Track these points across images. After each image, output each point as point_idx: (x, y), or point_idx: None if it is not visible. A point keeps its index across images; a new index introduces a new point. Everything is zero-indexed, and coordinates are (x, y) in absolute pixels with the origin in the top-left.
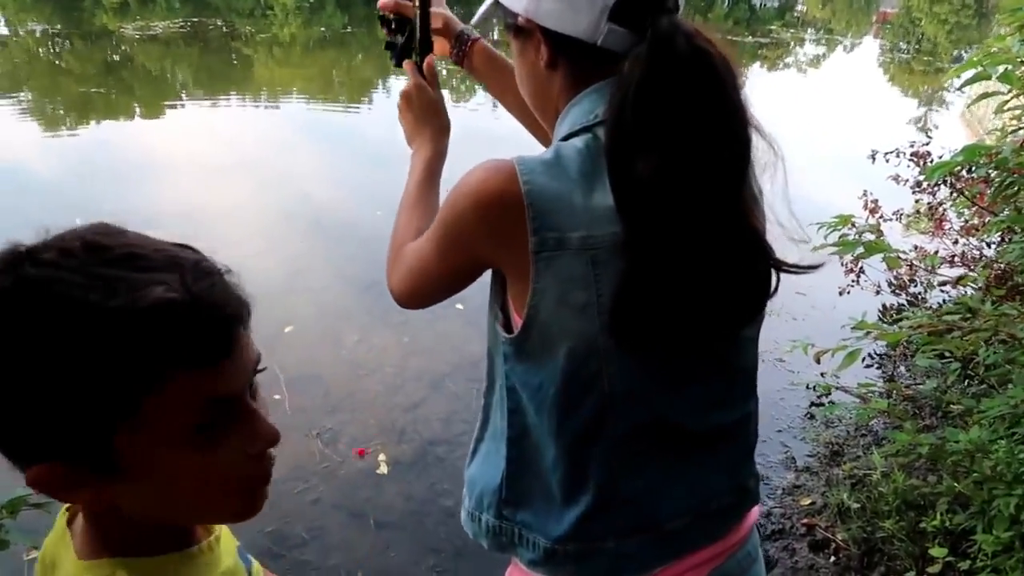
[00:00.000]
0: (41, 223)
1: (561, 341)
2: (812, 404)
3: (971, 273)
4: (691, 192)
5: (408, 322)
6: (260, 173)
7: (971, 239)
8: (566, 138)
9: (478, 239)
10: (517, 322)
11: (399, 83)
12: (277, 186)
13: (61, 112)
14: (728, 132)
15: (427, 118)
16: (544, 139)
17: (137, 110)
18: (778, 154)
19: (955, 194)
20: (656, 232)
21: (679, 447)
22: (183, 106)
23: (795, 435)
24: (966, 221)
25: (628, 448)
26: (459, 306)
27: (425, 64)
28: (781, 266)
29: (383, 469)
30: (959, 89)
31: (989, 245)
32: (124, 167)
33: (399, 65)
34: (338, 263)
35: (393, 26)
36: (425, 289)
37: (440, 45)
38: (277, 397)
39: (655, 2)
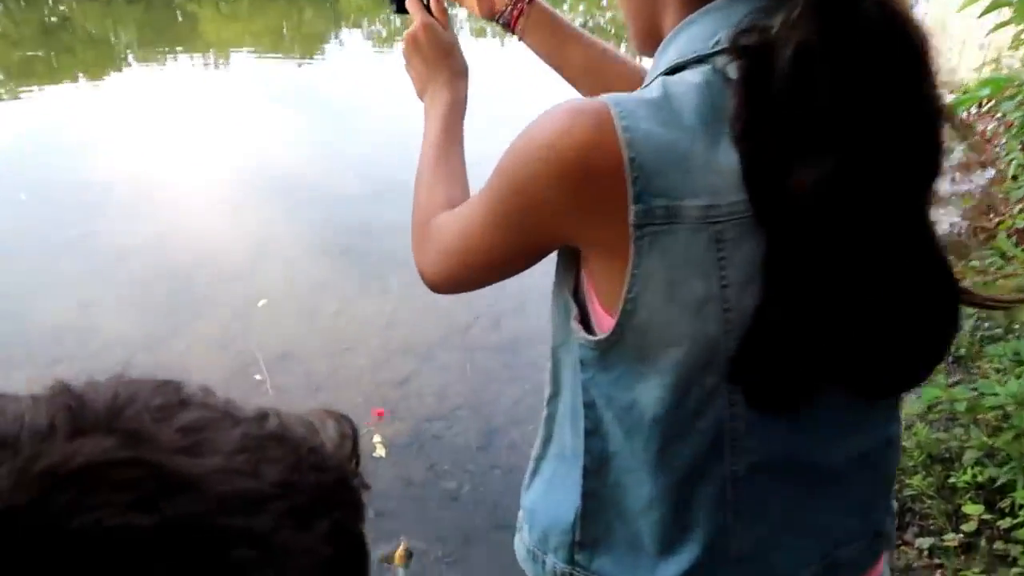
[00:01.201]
0: None
1: (668, 347)
2: None
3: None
4: (867, 211)
5: (389, 290)
6: (215, 135)
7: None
8: (673, 71)
9: (556, 210)
10: (603, 318)
11: (352, 36)
12: (234, 148)
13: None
14: (923, 131)
15: (439, 62)
16: None
17: (80, 74)
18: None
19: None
20: (812, 259)
21: (805, 484)
22: (129, 67)
23: None
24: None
25: (747, 488)
26: None
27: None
28: (976, 301)
29: (380, 452)
30: (979, 17)
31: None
32: (70, 134)
33: (400, 10)
34: (308, 229)
35: None
36: (472, 273)
37: (484, 3)
38: (258, 378)
39: None
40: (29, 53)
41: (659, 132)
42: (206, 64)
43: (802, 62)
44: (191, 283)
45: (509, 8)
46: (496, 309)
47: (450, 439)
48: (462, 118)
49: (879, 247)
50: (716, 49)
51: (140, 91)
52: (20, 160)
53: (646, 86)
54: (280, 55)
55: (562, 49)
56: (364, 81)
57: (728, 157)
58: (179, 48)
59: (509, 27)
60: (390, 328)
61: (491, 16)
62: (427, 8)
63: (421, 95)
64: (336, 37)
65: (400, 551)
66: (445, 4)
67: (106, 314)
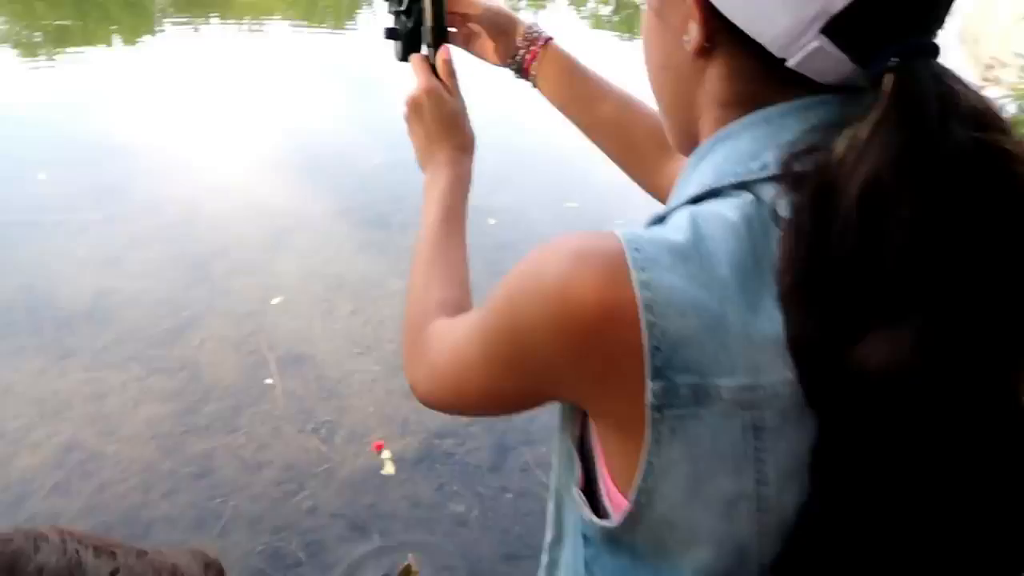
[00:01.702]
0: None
1: (688, 548)
2: None
3: None
4: (949, 393)
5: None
6: (245, 105)
7: None
8: (704, 196)
9: (558, 372)
10: (613, 493)
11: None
12: (263, 119)
13: (38, 40)
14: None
15: (442, 134)
16: (647, 180)
17: (116, 38)
18: None
19: None
20: (874, 452)
21: None
22: (163, 31)
23: None
24: None
25: None
26: None
27: (440, 58)
28: None
29: (389, 469)
30: None
31: None
32: (103, 98)
33: (404, 59)
34: (327, 219)
35: (401, 5)
36: (464, 403)
37: (492, 47)
38: (269, 382)
39: (913, 23)
40: (68, 22)
41: (686, 288)
42: (239, 31)
43: (873, 200)
44: (208, 273)
45: (522, 52)
46: None
47: (461, 457)
48: (464, 198)
49: (961, 437)
50: (762, 175)
51: (173, 58)
52: (58, 120)
53: (672, 210)
54: (314, 25)
55: (581, 99)
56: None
57: (772, 322)
58: (213, 14)
59: (522, 72)
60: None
61: (503, 62)
62: (433, 69)
63: (421, 165)
64: (370, 6)
65: (409, 564)
66: (454, 66)
67: (120, 304)
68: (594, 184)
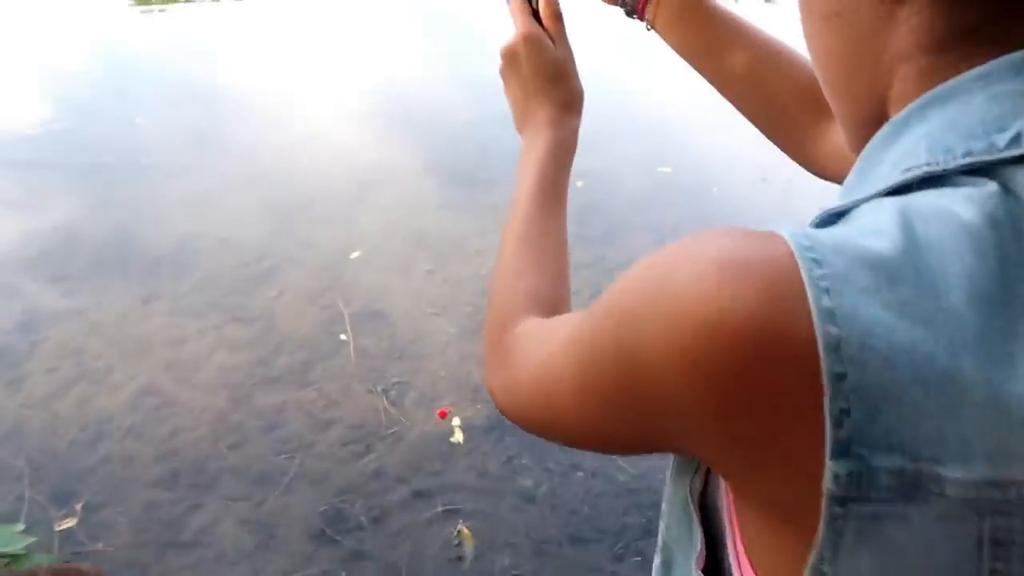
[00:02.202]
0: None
1: None
2: None
3: None
4: None
5: (486, 251)
6: (339, 56)
7: None
8: (915, 184)
9: (679, 422)
10: None
11: None
12: (354, 73)
13: None
14: None
15: (543, 89)
16: (797, 147)
17: None
18: None
19: None
20: None
21: None
22: None
23: None
24: None
25: None
26: None
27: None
28: None
29: (457, 437)
30: None
31: None
32: (207, 46)
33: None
34: (412, 174)
35: None
36: (551, 431)
37: None
38: (343, 338)
39: None
40: None
41: (895, 324)
42: None
43: None
44: (291, 224)
45: None
46: (598, 282)
47: None
48: (566, 168)
49: None
50: (1012, 153)
51: (276, 8)
52: (168, 66)
53: (857, 203)
54: None
55: (712, 45)
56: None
57: None
58: None
59: (636, 11)
60: (484, 295)
61: (614, 1)
62: (535, 13)
63: (519, 127)
64: None
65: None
66: (559, 8)
67: (203, 251)
68: (692, 148)
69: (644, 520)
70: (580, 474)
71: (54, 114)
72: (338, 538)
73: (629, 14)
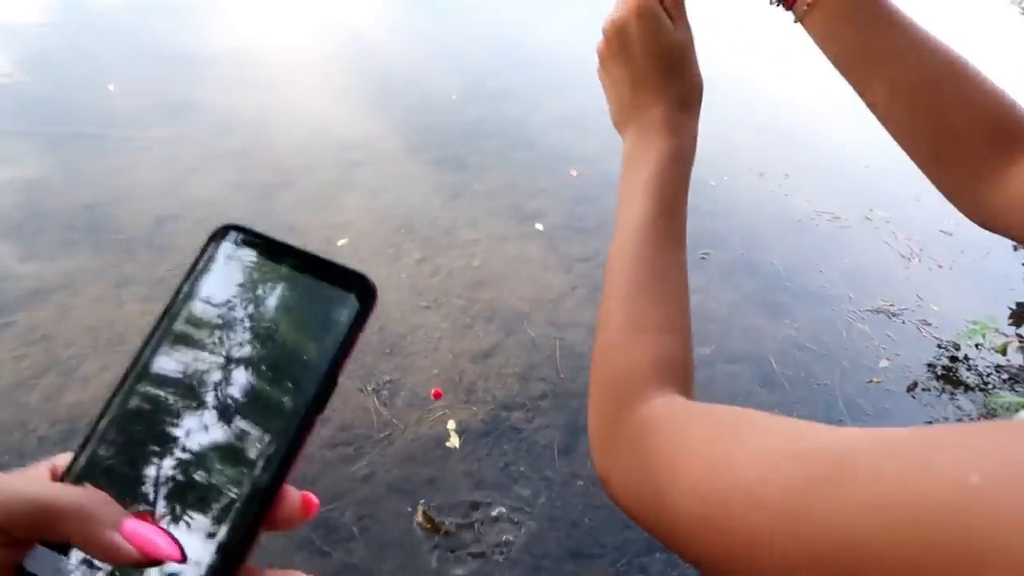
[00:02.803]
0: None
1: None
2: (957, 382)
3: None
4: None
5: (479, 241)
6: (320, 25)
7: None
8: None
9: None
10: None
11: None
12: (337, 44)
13: None
14: None
15: (659, 79)
16: (963, 190)
17: None
18: None
19: None
20: None
21: None
22: None
23: None
24: None
25: None
26: (538, 225)
27: None
28: None
29: (453, 441)
30: None
31: None
32: (180, 6)
33: None
34: (399, 156)
35: None
36: (707, 547)
37: None
38: None
39: None
40: None
41: None
42: None
43: None
44: (273, 205)
45: None
46: (595, 278)
47: (529, 435)
48: (687, 183)
49: None
50: None
51: None
52: (137, 22)
53: None
54: None
55: (875, 52)
56: None
57: None
58: None
59: (787, 2)
60: (476, 287)
61: None
62: None
63: (619, 125)
64: None
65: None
66: None
67: (181, 232)
68: None
69: (647, 534)
70: (580, 483)
71: (13, 71)
72: (327, 549)
73: (775, 1)
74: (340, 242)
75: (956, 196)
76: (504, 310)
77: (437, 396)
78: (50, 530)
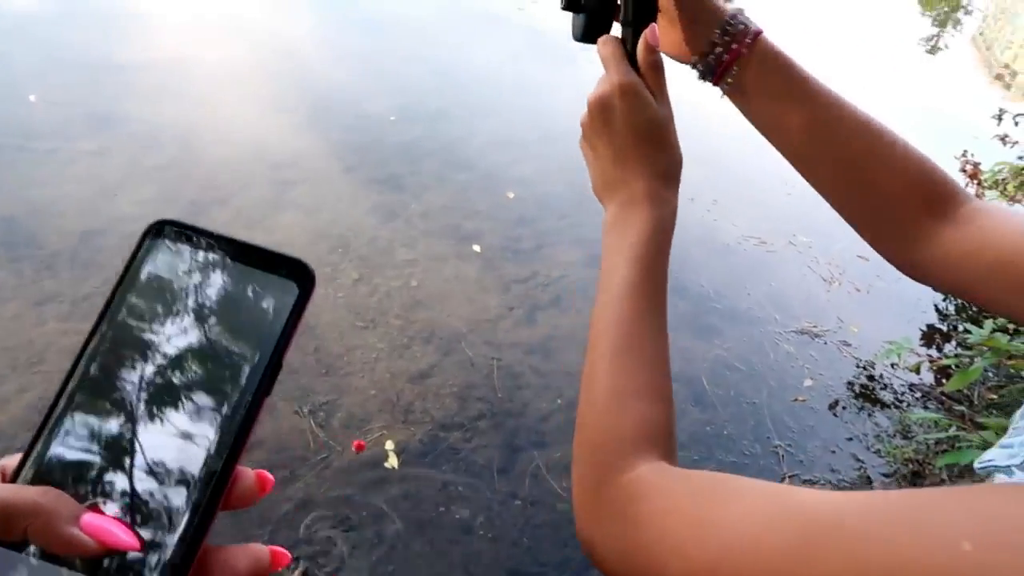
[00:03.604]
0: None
1: None
2: (875, 401)
3: None
4: None
5: (416, 260)
6: (250, 36)
7: None
8: None
9: None
10: None
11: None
12: (268, 56)
13: None
14: None
15: (640, 152)
16: (895, 247)
17: None
18: None
19: None
20: None
21: None
22: None
23: (868, 445)
24: None
25: None
26: (476, 247)
27: (644, 42)
28: None
29: (392, 462)
30: None
31: None
32: (104, 12)
33: (585, 38)
34: (334, 175)
35: None
36: None
37: (677, 38)
38: None
39: None
40: None
41: None
42: None
43: None
44: (204, 224)
45: (719, 50)
46: (532, 299)
47: (468, 455)
48: (667, 253)
49: None
50: None
51: None
52: (60, 30)
53: None
54: None
55: (799, 121)
56: None
57: None
58: None
59: (713, 76)
60: (413, 307)
61: (687, 59)
62: (630, 57)
63: (601, 196)
64: None
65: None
66: (661, 56)
67: (106, 248)
68: None
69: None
70: (518, 503)
71: None
72: None
73: (703, 76)
74: None
75: (894, 257)
76: (442, 330)
77: (359, 448)
78: (6, 529)
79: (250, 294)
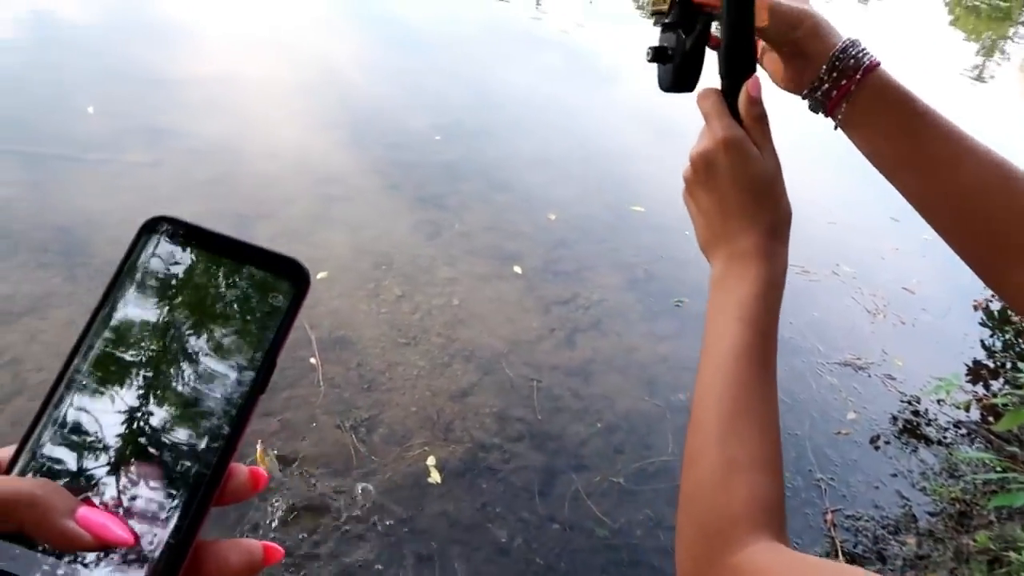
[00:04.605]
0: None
1: None
2: (920, 436)
3: None
4: None
5: (458, 279)
6: (299, 56)
7: None
8: None
9: None
10: None
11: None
12: (317, 78)
13: None
14: None
15: (747, 207)
16: (1013, 288)
17: None
18: None
19: None
20: None
21: None
22: None
23: (913, 482)
24: None
25: None
26: (516, 268)
27: (745, 94)
28: None
29: (435, 477)
30: None
31: None
32: (163, 28)
33: (675, 89)
34: (379, 192)
35: (669, 15)
36: None
37: (781, 71)
38: (313, 361)
39: None
40: None
41: None
42: None
43: None
44: (252, 237)
45: (827, 86)
46: (573, 321)
47: (506, 476)
48: (778, 312)
49: None
50: None
51: None
52: (113, 44)
53: None
54: None
55: (919, 157)
56: (446, 16)
57: None
58: None
59: (825, 109)
60: (454, 326)
61: (798, 91)
62: (730, 105)
63: (706, 250)
64: None
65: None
66: (764, 108)
67: None
68: (665, 189)
69: None
70: (556, 527)
71: None
72: None
73: (815, 108)
74: (320, 275)
75: (1003, 291)
76: (482, 350)
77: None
78: (2, 520)
79: (245, 292)
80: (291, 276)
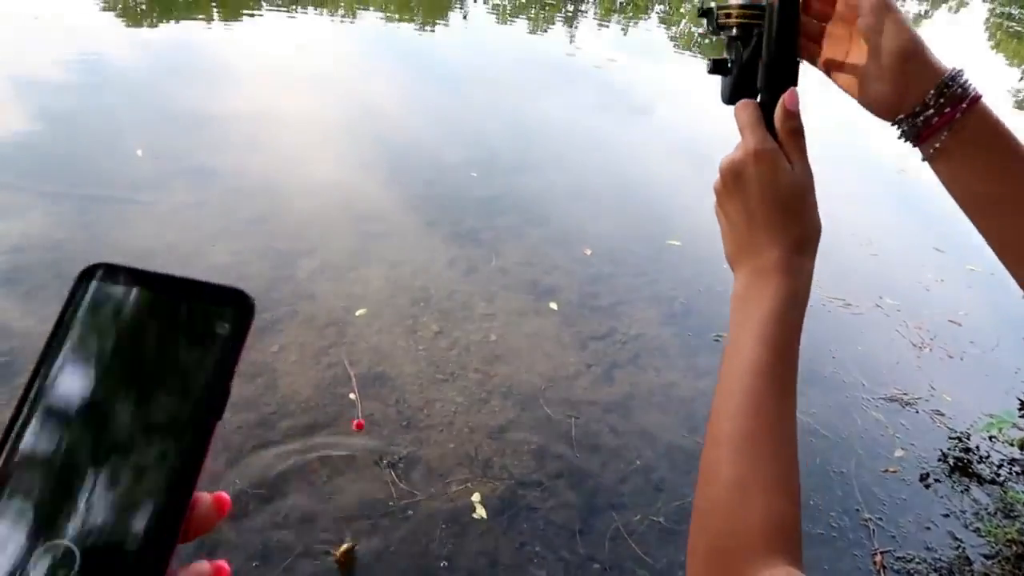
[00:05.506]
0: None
1: None
2: (971, 474)
3: None
4: None
5: (496, 315)
6: (337, 97)
7: None
8: None
9: None
10: None
11: (477, 8)
12: (356, 115)
13: (143, 8)
14: None
15: (775, 221)
16: None
17: (216, 13)
18: None
19: None
20: None
21: None
22: (261, 15)
23: (966, 523)
24: None
25: None
26: (552, 305)
27: (782, 107)
28: None
29: (480, 512)
30: None
31: None
32: (199, 67)
33: (732, 101)
34: (417, 229)
35: (732, 28)
36: None
37: (875, 92)
38: (352, 396)
39: None
40: None
41: None
42: (332, 19)
43: None
44: (293, 273)
45: (929, 112)
46: (610, 356)
47: (546, 513)
48: (800, 327)
49: None
50: None
51: (271, 41)
52: (156, 84)
53: None
54: (405, 18)
55: (1008, 202)
56: (482, 52)
57: None
58: (310, 2)
59: (913, 139)
60: (492, 362)
61: (890, 115)
62: (768, 122)
63: (732, 262)
64: (461, 7)
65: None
66: (801, 121)
67: None
68: (703, 223)
69: None
70: (596, 567)
71: (35, 129)
72: None
73: (904, 137)
74: (359, 312)
75: None
76: (520, 386)
77: (359, 427)
78: None
79: (193, 326)
80: (234, 304)
